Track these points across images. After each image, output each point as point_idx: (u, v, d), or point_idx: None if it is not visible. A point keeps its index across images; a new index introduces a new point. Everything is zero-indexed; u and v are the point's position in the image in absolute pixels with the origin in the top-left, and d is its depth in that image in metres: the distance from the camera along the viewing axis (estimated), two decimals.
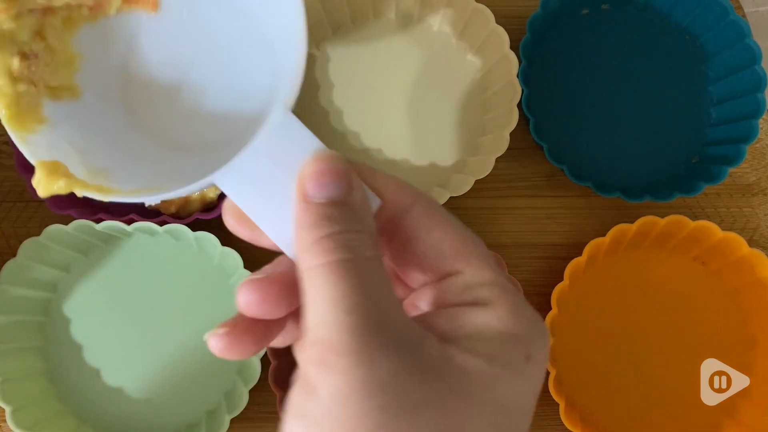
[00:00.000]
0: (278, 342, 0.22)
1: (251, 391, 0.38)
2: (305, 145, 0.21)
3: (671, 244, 0.43)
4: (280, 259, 0.21)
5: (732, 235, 0.40)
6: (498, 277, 0.20)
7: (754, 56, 0.42)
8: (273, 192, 0.21)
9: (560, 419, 0.38)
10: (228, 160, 0.21)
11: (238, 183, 0.21)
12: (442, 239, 0.21)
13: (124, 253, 0.42)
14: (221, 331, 0.20)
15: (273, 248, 0.21)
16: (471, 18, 0.43)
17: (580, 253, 0.40)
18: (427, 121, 0.44)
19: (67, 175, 0.23)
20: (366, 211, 0.20)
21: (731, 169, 0.42)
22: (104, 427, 0.40)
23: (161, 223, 0.39)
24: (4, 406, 0.37)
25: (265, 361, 0.38)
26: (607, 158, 0.44)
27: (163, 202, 0.40)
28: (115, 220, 0.39)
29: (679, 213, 0.41)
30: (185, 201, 0.40)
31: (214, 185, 0.21)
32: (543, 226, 0.45)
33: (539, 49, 0.44)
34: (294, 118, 0.21)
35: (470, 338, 0.19)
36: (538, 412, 0.45)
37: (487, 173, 0.40)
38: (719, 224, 0.41)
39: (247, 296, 0.20)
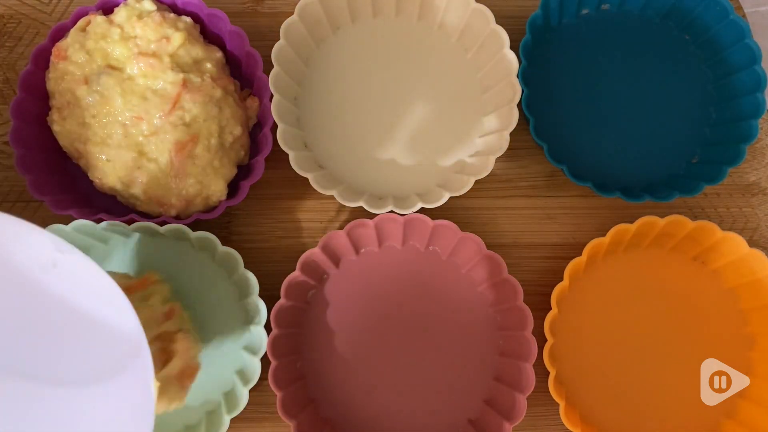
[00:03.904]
0: None
1: (251, 391, 0.38)
2: None
3: (671, 244, 0.43)
4: None
5: (732, 235, 0.40)
6: None
7: (754, 56, 0.42)
8: None
9: (560, 419, 0.38)
10: None
11: None
12: None
13: (125, 254, 0.42)
14: None
15: None
16: (471, 18, 0.43)
17: (579, 253, 0.40)
18: (426, 120, 0.44)
19: None
20: None
21: (731, 169, 0.42)
22: None
23: (161, 224, 0.39)
24: None
25: (265, 361, 0.38)
26: (607, 158, 0.44)
27: (163, 205, 0.40)
28: (116, 220, 0.38)
29: (679, 213, 0.41)
30: (187, 203, 0.40)
31: None
32: (543, 226, 0.45)
33: (539, 49, 0.44)
34: None
35: None
36: (538, 412, 0.45)
37: (487, 173, 0.40)
38: (719, 224, 0.41)
39: None
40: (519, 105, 0.41)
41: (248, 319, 0.40)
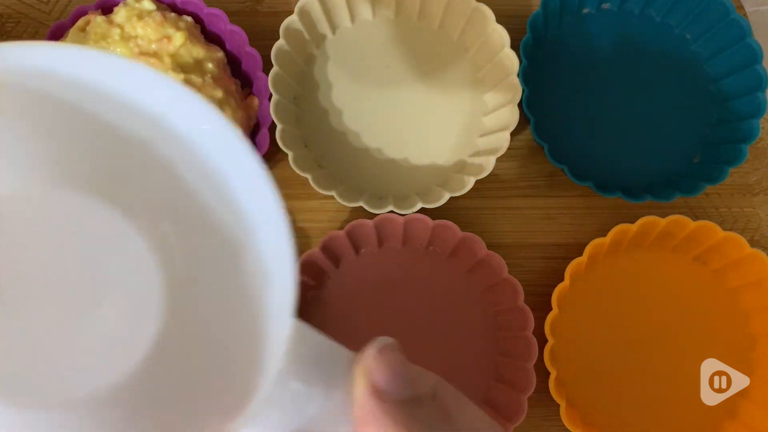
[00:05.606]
0: None
1: None
2: (334, 354, 0.21)
3: (672, 245, 0.43)
4: None
5: (733, 235, 0.40)
6: None
7: (755, 55, 0.42)
8: (309, 410, 0.20)
9: (561, 420, 0.38)
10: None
11: (270, 418, 0.19)
12: (474, 419, 0.21)
13: None
14: None
15: None
16: (471, 17, 0.43)
17: (580, 254, 0.40)
18: (426, 120, 0.44)
19: None
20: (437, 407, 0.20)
21: (732, 169, 0.42)
22: None
23: None
24: None
25: None
26: (608, 158, 0.44)
27: None
28: None
29: (680, 213, 0.41)
30: None
31: None
32: (543, 226, 0.45)
33: (539, 49, 0.44)
34: (311, 329, 0.20)
35: None
36: (538, 413, 0.45)
37: (487, 173, 0.40)
38: (720, 224, 0.41)
39: None
40: (519, 105, 0.41)
41: None
